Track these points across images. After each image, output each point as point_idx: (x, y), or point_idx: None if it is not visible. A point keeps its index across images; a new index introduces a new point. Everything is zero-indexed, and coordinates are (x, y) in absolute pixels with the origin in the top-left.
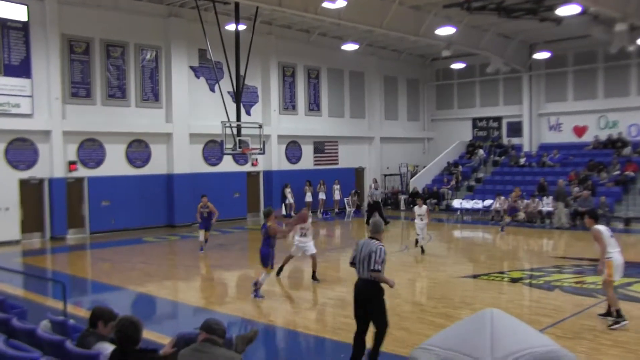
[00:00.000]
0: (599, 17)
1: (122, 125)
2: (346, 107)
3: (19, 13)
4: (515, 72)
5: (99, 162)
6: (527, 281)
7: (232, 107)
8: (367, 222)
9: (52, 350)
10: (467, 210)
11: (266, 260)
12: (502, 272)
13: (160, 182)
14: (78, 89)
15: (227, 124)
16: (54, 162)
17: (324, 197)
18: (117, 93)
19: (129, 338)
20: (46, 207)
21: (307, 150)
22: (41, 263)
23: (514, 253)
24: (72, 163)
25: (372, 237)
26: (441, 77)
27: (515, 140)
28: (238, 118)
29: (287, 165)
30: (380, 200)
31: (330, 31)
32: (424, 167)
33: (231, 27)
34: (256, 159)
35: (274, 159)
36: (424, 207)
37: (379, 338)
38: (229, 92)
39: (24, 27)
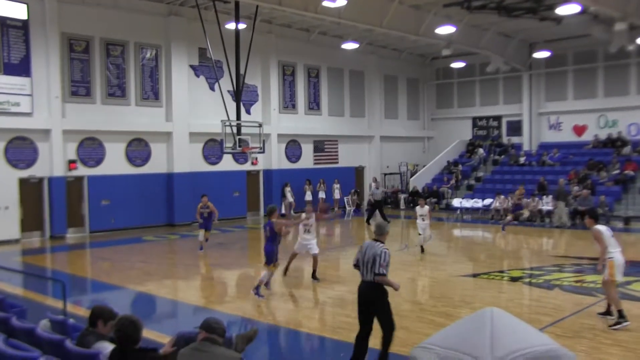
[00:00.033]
0: (598, 17)
1: (122, 124)
2: (346, 106)
3: (19, 11)
4: (515, 71)
5: (98, 161)
6: (527, 280)
7: (232, 106)
8: (368, 221)
9: (51, 350)
10: (467, 209)
11: (270, 257)
12: (502, 271)
13: (160, 181)
14: (78, 88)
15: (227, 123)
16: (53, 161)
17: (323, 196)
18: (117, 92)
19: (129, 337)
20: (46, 206)
21: (307, 149)
22: (41, 262)
23: (513, 252)
24: (71, 162)
25: (376, 240)
26: (441, 76)
27: (515, 139)
28: (238, 117)
29: (287, 164)
30: (381, 200)
31: (330, 30)
32: (424, 166)
33: (231, 25)
34: (256, 158)
35: (274, 158)
36: (426, 207)
37: (387, 341)
38: (229, 91)
39: (23, 25)
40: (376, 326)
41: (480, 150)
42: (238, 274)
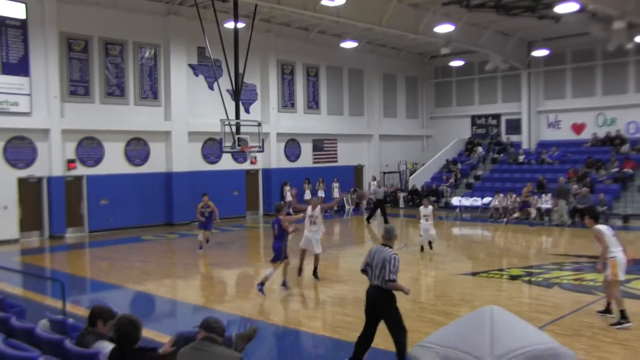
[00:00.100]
0: (597, 15)
1: (120, 123)
2: (345, 104)
3: (18, 11)
4: (514, 70)
5: (97, 161)
6: (526, 278)
7: (231, 105)
8: (368, 220)
9: (51, 350)
10: (466, 207)
11: (279, 255)
12: (501, 270)
13: (159, 180)
14: (77, 87)
15: (226, 122)
16: (52, 160)
17: (323, 195)
18: (115, 91)
19: (128, 337)
20: (45, 206)
21: (306, 148)
22: (40, 262)
23: (513, 250)
24: (70, 161)
25: (384, 244)
26: (440, 75)
27: (514, 138)
28: (237, 116)
29: (286, 163)
30: (383, 199)
31: (329, 29)
32: (423, 164)
33: (230, 25)
34: (255, 157)
35: (273, 157)
36: (430, 207)
37: (402, 345)
38: (227, 90)
39: (22, 25)
40: (380, 327)
41: (479, 149)
42: (237, 273)
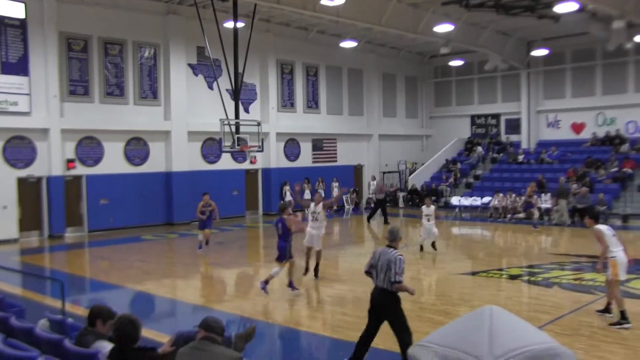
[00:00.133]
0: (596, 15)
1: (120, 123)
2: (345, 104)
3: (17, 10)
4: (513, 69)
5: (97, 160)
6: (526, 278)
7: (230, 104)
8: (369, 220)
9: (50, 349)
10: (465, 207)
11: (283, 254)
12: (500, 269)
13: (159, 180)
14: (76, 87)
15: (226, 122)
16: (52, 160)
17: (322, 195)
18: (115, 91)
19: (128, 336)
20: (44, 206)
21: (306, 148)
22: (39, 261)
23: (512, 250)
24: (70, 161)
25: (389, 246)
26: (439, 74)
27: (513, 137)
28: (236, 116)
29: (285, 163)
30: (384, 198)
31: (328, 28)
32: (423, 164)
33: (229, 24)
34: (255, 157)
35: (273, 157)
36: (432, 207)
37: (406, 347)
38: (227, 90)
39: (21, 24)
40: (383, 328)
41: (479, 149)
42: (237, 272)
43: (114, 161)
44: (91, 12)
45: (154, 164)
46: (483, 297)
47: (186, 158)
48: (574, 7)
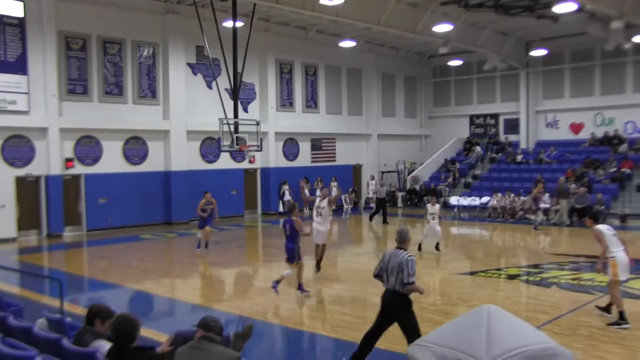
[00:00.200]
0: (595, 15)
1: (119, 122)
2: (344, 104)
3: (16, 9)
4: (512, 69)
5: (95, 159)
6: (524, 278)
7: (229, 104)
8: (370, 219)
9: (48, 349)
10: (464, 207)
11: (292, 255)
12: (499, 269)
13: (158, 179)
14: (75, 86)
15: (225, 121)
16: (50, 159)
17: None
18: (114, 90)
19: (126, 336)
20: (43, 205)
21: (305, 148)
22: (38, 261)
23: (511, 250)
24: (68, 160)
25: (398, 247)
26: (438, 74)
27: (512, 137)
28: (235, 115)
29: (284, 162)
30: (385, 198)
31: (327, 28)
32: (421, 164)
33: (229, 24)
34: (253, 156)
35: (272, 156)
36: (437, 205)
37: None
38: (226, 89)
39: (20, 23)
40: (390, 330)
41: (478, 148)
42: (236, 272)
43: (112, 160)
44: (90, 11)
45: (153, 163)
46: (482, 297)
47: (185, 157)
48: (572, 7)
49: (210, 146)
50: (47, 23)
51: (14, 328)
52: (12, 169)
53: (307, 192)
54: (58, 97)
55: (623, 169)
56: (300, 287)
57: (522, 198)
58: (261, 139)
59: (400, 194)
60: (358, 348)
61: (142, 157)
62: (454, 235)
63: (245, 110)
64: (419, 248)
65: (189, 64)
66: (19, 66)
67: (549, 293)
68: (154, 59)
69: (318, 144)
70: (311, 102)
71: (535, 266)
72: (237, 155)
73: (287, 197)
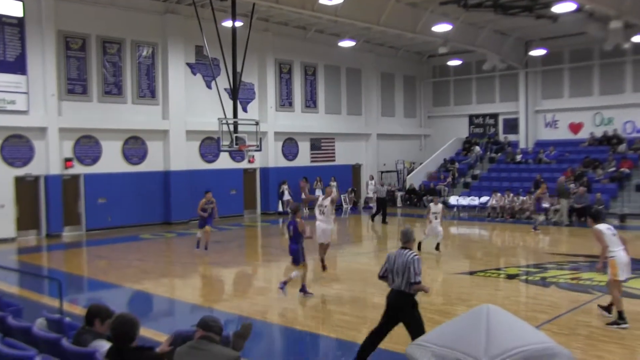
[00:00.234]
0: (594, 15)
1: (118, 122)
2: (343, 103)
3: (15, 9)
4: (511, 69)
5: (95, 159)
6: (524, 277)
7: (228, 103)
8: (373, 218)
9: (48, 348)
10: (463, 207)
11: (297, 257)
12: (498, 269)
13: (157, 179)
14: (74, 86)
15: (224, 121)
16: (49, 159)
17: (320, 194)
18: (113, 90)
19: (126, 336)
20: (42, 205)
21: (304, 147)
22: (37, 260)
23: (510, 249)
24: (68, 160)
25: (403, 247)
26: (438, 74)
27: (511, 137)
28: (235, 115)
29: (283, 162)
30: (385, 197)
31: (327, 28)
32: (421, 163)
33: (228, 23)
34: (253, 156)
35: (271, 156)
36: (440, 205)
37: None
38: (225, 89)
39: (19, 23)
40: (401, 330)
41: (477, 148)
42: (235, 272)
43: (112, 160)
44: (89, 11)
45: (152, 163)
46: (481, 297)
47: (184, 157)
48: (571, 7)
49: (209, 146)
50: (46, 23)
51: (13, 328)
52: (12, 168)
53: (306, 191)
54: (57, 96)
55: (622, 169)
56: (303, 289)
57: (521, 198)
58: (260, 139)
59: (399, 194)
60: (360, 348)
61: (142, 157)
62: (453, 235)
63: (245, 110)
64: (419, 247)
65: (188, 64)
66: (18, 66)
67: (548, 293)
68: (153, 58)
69: (317, 143)
70: (310, 102)
71: (535, 266)
72: (236, 155)
73: (287, 196)
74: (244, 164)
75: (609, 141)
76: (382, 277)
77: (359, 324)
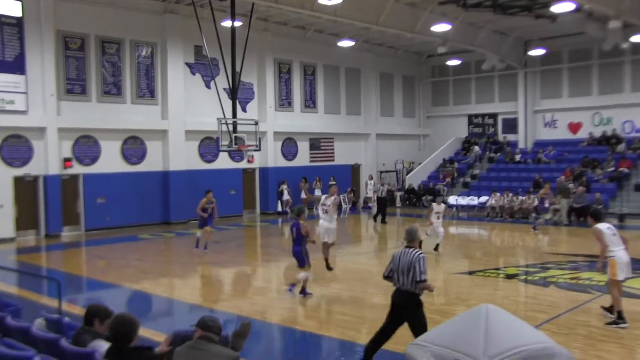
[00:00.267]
0: (593, 15)
1: (117, 122)
2: (342, 103)
3: (14, 9)
4: (510, 69)
5: (94, 159)
6: (523, 277)
7: (227, 103)
8: (375, 218)
9: (46, 349)
10: (462, 206)
11: (301, 259)
12: (497, 269)
13: (156, 179)
14: (73, 86)
15: (223, 121)
16: (48, 159)
17: (320, 194)
18: (112, 90)
19: (124, 336)
20: (41, 204)
21: (303, 147)
22: (36, 260)
23: (509, 249)
24: (67, 160)
25: (408, 246)
26: (437, 74)
27: (510, 137)
28: (234, 115)
29: (283, 162)
30: (385, 197)
31: (326, 28)
32: (420, 163)
33: (227, 23)
34: (252, 156)
35: (270, 156)
36: (442, 205)
37: None
38: (224, 89)
39: (18, 23)
40: (401, 331)
41: (476, 148)
42: (234, 272)
43: (111, 160)
44: (88, 11)
45: (151, 163)
46: (480, 297)
47: (183, 157)
48: (570, 7)
49: (208, 146)
50: (45, 23)
51: (12, 328)
52: (10, 168)
53: (304, 192)
54: (56, 96)
55: (621, 169)
56: (303, 291)
57: (520, 197)
58: (260, 139)
59: (398, 194)
60: (366, 347)
61: (141, 156)
62: (452, 234)
63: (244, 110)
64: (419, 247)
65: (187, 64)
66: (17, 66)
67: (548, 292)
68: (152, 58)
69: (316, 143)
70: (310, 102)
71: (534, 265)
72: (235, 155)
73: (286, 196)
74: (243, 164)
75: (608, 141)
76: (387, 277)
77: (358, 324)
